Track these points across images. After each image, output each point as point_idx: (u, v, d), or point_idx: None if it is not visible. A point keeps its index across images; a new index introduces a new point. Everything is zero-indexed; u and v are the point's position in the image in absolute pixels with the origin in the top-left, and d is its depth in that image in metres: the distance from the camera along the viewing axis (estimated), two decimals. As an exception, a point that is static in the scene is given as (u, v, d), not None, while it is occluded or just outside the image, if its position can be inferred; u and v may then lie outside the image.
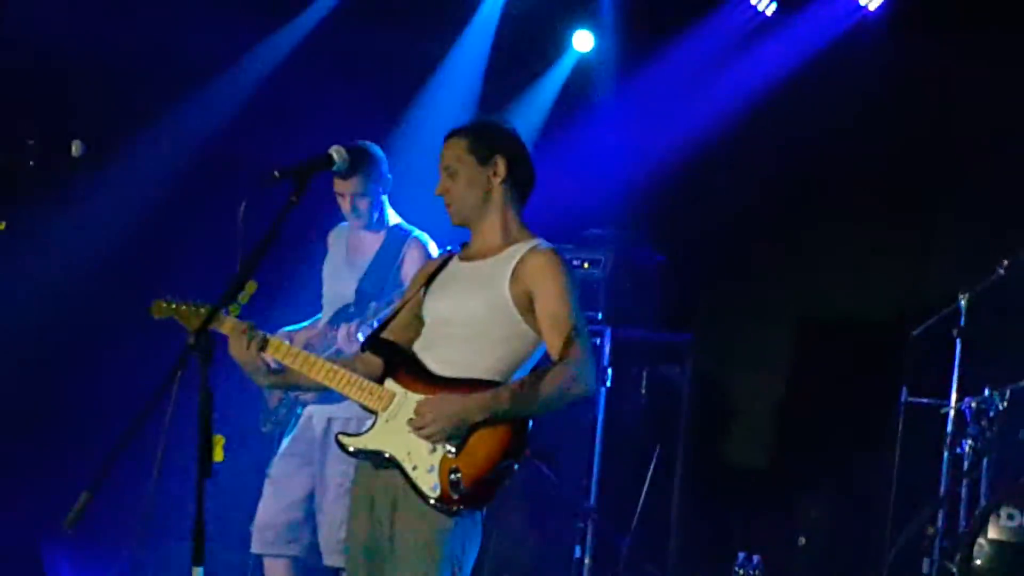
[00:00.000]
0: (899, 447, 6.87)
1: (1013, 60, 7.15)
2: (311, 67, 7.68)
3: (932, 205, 7.34)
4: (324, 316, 6.28)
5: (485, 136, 4.49)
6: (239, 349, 4.40)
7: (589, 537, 6.73)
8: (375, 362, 4.46)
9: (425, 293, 4.54)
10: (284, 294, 6.44)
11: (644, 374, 7.17)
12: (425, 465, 4.25)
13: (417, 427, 4.25)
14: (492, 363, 4.34)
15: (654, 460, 6.83)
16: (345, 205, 6.18)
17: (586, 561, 6.74)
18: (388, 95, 7.75)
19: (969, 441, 6.49)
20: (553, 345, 4.32)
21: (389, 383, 4.39)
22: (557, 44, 8.15)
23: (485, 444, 4.23)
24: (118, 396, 5.69)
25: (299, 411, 6.27)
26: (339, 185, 6.13)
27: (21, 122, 6.31)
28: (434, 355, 4.40)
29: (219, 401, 3.84)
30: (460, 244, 4.64)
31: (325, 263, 6.39)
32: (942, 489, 6.69)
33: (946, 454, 6.69)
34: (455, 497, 4.20)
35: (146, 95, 7.35)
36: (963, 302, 6.63)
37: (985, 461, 6.50)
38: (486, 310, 4.37)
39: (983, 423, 6.45)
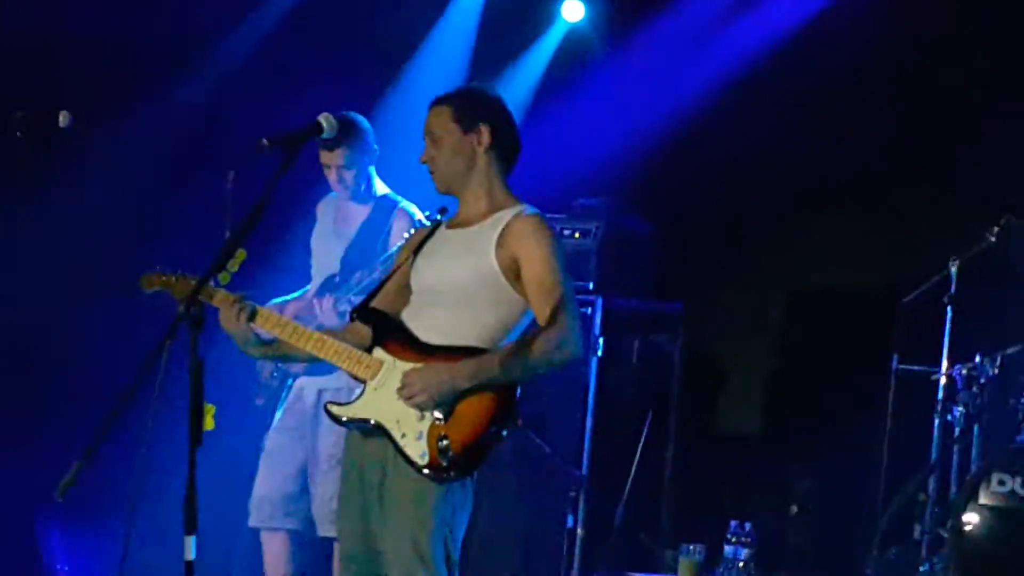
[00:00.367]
0: (890, 414, 6.88)
1: (1003, 26, 7.15)
2: (299, 37, 7.65)
3: (923, 172, 7.33)
4: (312, 287, 6.28)
5: (469, 104, 4.48)
6: (229, 320, 4.41)
7: (581, 506, 6.74)
8: (364, 331, 4.46)
9: (413, 261, 4.54)
10: (275, 265, 6.42)
11: (635, 343, 7.16)
12: (414, 432, 4.26)
13: (405, 396, 4.26)
14: (480, 329, 4.35)
15: (646, 429, 6.84)
16: (332, 176, 6.18)
17: (578, 530, 6.74)
18: (377, 65, 7.72)
19: (960, 407, 6.51)
20: (540, 311, 4.32)
21: (377, 352, 4.39)
22: (547, 14, 8.13)
23: (473, 410, 4.24)
24: (110, 368, 5.68)
25: (290, 383, 6.28)
26: (325, 157, 6.12)
27: (7, 92, 6.28)
28: (422, 323, 4.40)
29: (212, 372, 3.84)
30: (437, 209, 4.64)
31: (313, 234, 6.39)
32: (933, 456, 6.71)
33: (937, 421, 6.71)
34: (444, 464, 4.21)
35: (134, 65, 7.32)
36: (953, 269, 6.64)
37: (976, 427, 6.52)
38: (473, 277, 4.37)
39: (974, 389, 6.47)
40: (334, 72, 7.43)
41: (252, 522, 6.32)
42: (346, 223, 6.25)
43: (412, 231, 5.41)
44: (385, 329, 4.43)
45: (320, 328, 5.97)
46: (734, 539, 6.29)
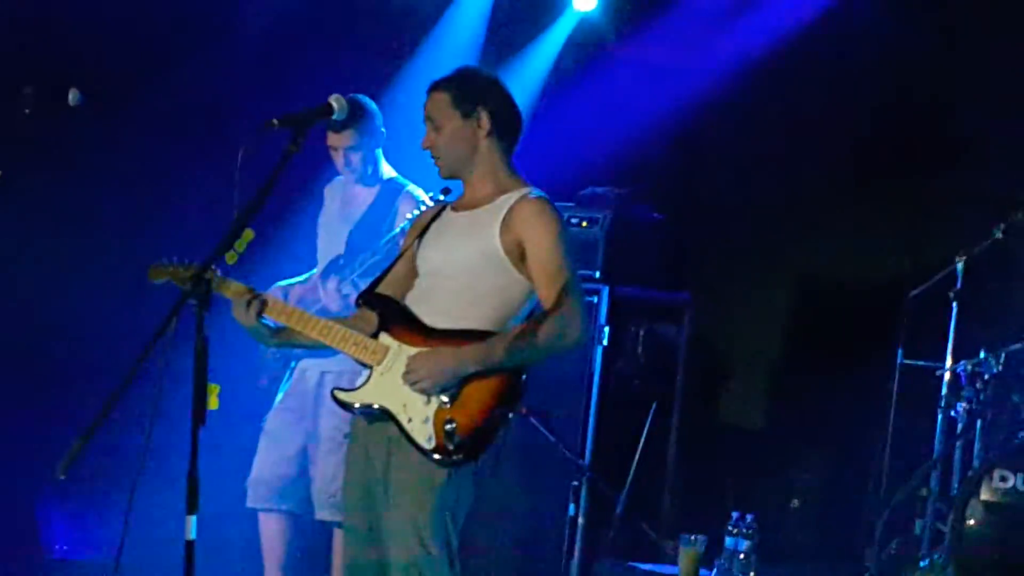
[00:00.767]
0: (894, 409, 6.89)
1: (1012, 22, 7.13)
2: (310, 19, 7.64)
3: (931, 167, 7.32)
4: (317, 270, 6.28)
5: (467, 89, 4.46)
6: (242, 314, 4.43)
7: (583, 495, 6.73)
8: (372, 317, 4.46)
9: (418, 244, 4.54)
10: (281, 247, 6.43)
11: (641, 333, 7.15)
12: (420, 417, 4.26)
13: (411, 381, 4.26)
14: (485, 313, 4.35)
15: (649, 418, 6.82)
16: (338, 159, 6.18)
17: (580, 519, 6.74)
18: (388, 49, 7.72)
19: (963, 403, 6.50)
20: (545, 294, 4.31)
21: (383, 337, 4.40)
22: (558, 3, 8.11)
23: (479, 394, 4.25)
24: (114, 347, 5.69)
25: (293, 364, 6.28)
26: (332, 139, 6.12)
27: (17, 70, 6.29)
28: (427, 307, 4.40)
29: (215, 352, 3.84)
30: (441, 190, 4.63)
31: (320, 217, 6.40)
32: (936, 451, 6.70)
33: (940, 416, 6.71)
34: (450, 447, 4.21)
35: (144, 43, 7.31)
36: (960, 265, 6.64)
37: (979, 423, 6.52)
38: (477, 260, 4.37)
39: (978, 386, 6.47)
40: (345, 56, 7.43)
41: (249, 503, 6.32)
42: (352, 206, 6.25)
43: (418, 211, 5.42)
44: (391, 314, 4.43)
45: (324, 311, 6.06)
46: (735, 531, 6.28)
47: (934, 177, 7.30)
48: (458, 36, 7.91)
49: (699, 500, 7.25)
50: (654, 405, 6.88)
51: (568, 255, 4.35)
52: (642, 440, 6.78)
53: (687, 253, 7.51)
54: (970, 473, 6.24)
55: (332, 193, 6.38)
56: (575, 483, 6.72)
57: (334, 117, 4.32)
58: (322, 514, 6.18)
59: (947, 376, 6.66)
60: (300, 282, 6.29)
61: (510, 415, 4.28)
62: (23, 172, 5.24)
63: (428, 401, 4.26)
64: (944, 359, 6.67)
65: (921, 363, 6.83)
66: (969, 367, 6.51)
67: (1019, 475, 6.02)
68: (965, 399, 6.48)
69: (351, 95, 5.74)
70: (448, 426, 4.21)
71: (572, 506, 6.72)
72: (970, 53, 7.24)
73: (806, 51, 7.41)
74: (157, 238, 7.30)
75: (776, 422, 7.80)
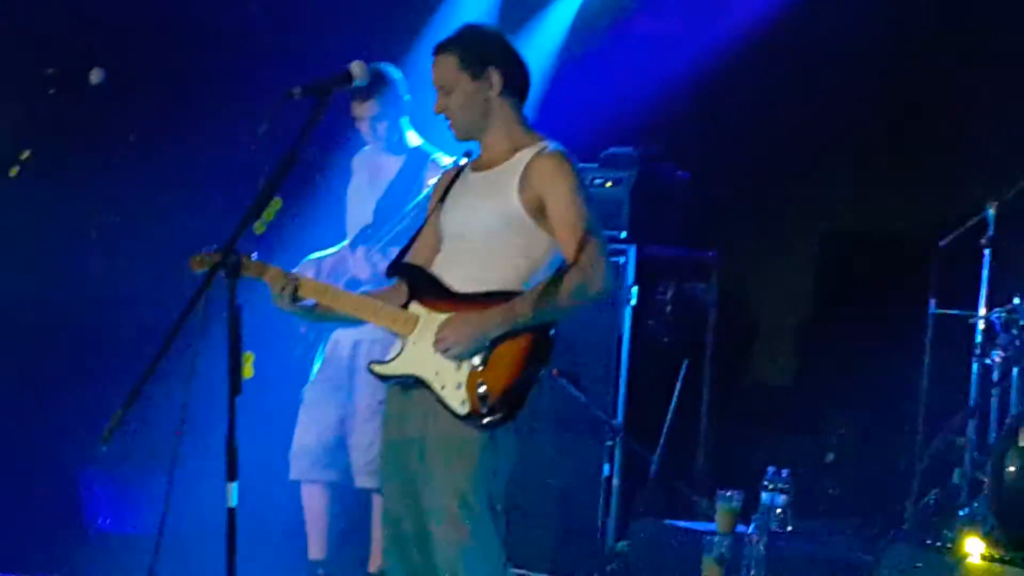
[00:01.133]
0: (928, 359, 6.86)
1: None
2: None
3: (960, 114, 7.26)
4: (347, 240, 6.29)
5: (474, 49, 4.43)
6: (278, 298, 4.46)
7: (617, 455, 6.74)
8: (403, 287, 4.47)
9: (441, 208, 4.54)
10: (309, 217, 6.43)
11: (669, 292, 7.13)
12: (453, 383, 4.27)
13: (440, 349, 4.28)
14: (511, 272, 4.34)
15: (681, 377, 6.83)
16: (364, 128, 6.19)
17: (614, 479, 6.75)
18: (406, 15, 7.69)
19: (998, 351, 6.45)
20: (567, 248, 4.30)
21: (413, 306, 4.41)
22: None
23: (509, 355, 4.25)
24: (149, 321, 5.72)
25: (327, 335, 6.30)
26: (357, 109, 6.13)
27: (40, 50, 6.30)
28: (453, 272, 4.41)
29: (250, 324, 3.86)
30: (463, 153, 4.62)
31: (349, 188, 6.41)
32: (972, 400, 6.67)
33: (975, 365, 6.66)
34: (484, 411, 4.22)
35: (164, 19, 7.33)
36: (991, 211, 6.58)
37: (1015, 371, 6.48)
38: (497, 220, 4.37)
39: (1013, 332, 6.42)
40: (363, 22, 7.41)
41: (292, 475, 6.38)
42: (380, 175, 6.26)
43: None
44: (419, 283, 4.44)
45: (355, 280, 6.09)
46: (771, 486, 6.28)
47: (963, 124, 7.24)
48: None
49: (733, 457, 7.24)
50: (685, 363, 6.88)
51: (587, 206, 4.33)
52: (674, 398, 6.78)
53: (713, 210, 7.48)
54: (1008, 420, 6.21)
55: (360, 164, 6.39)
56: (608, 443, 6.74)
57: (355, 84, 4.30)
58: (362, 481, 6.23)
59: (981, 324, 6.61)
60: (331, 254, 6.30)
61: (541, 373, 4.28)
62: (49, 151, 5.26)
63: (459, 367, 4.27)
64: (977, 308, 6.63)
65: (954, 312, 6.78)
66: (1003, 315, 6.47)
67: (1057, 421, 6.00)
68: (1000, 347, 6.44)
69: (373, 64, 5.74)
70: (480, 389, 4.23)
71: (606, 466, 6.73)
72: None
73: (828, 3, 7.36)
74: (185, 211, 7.34)
75: (808, 376, 7.78)
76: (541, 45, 7.68)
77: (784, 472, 6.31)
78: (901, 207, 7.43)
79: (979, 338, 6.62)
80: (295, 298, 4.46)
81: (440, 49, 4.45)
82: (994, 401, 6.60)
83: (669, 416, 6.74)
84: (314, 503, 6.40)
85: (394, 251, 5.84)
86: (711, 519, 6.11)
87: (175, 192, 7.46)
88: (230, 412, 3.80)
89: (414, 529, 4.41)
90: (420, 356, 4.34)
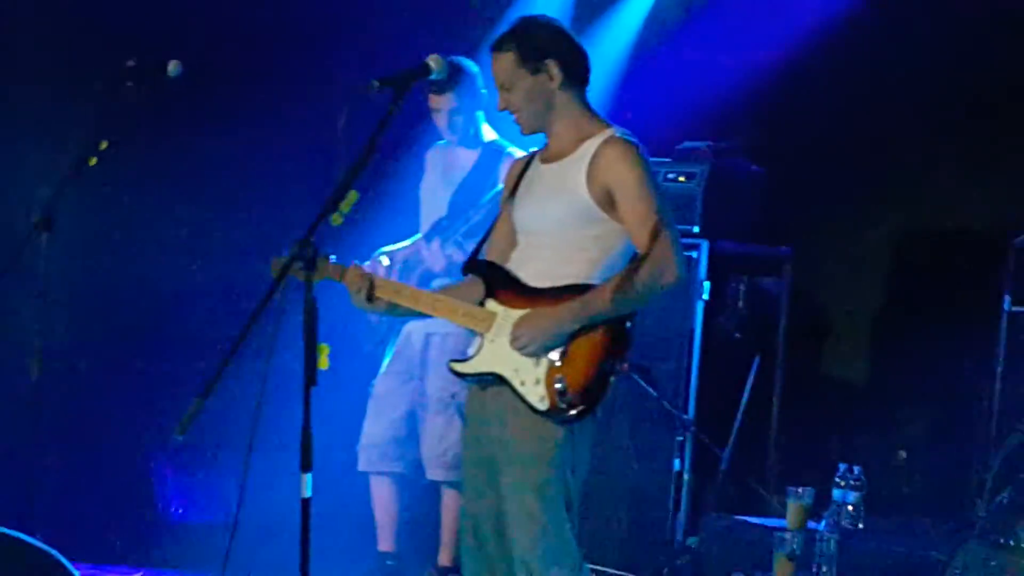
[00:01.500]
0: (1001, 356, 6.79)
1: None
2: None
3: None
4: (421, 233, 6.32)
5: (531, 44, 4.41)
6: (357, 299, 4.50)
7: (688, 450, 6.73)
8: (478, 283, 4.49)
9: (513, 202, 4.55)
10: (384, 208, 6.46)
11: (742, 287, 7.12)
12: (532, 379, 4.29)
13: (517, 347, 4.30)
14: (585, 265, 4.35)
15: (752, 372, 6.80)
16: (440, 121, 6.20)
17: (685, 474, 6.74)
18: (483, 7, 7.69)
19: (1073, 349, 6.40)
20: (638, 239, 4.30)
21: (490, 303, 4.43)
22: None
23: (586, 349, 4.26)
24: (224, 312, 5.77)
25: (399, 328, 6.33)
26: (434, 101, 6.15)
27: (120, 43, 6.34)
28: (528, 267, 4.42)
29: (324, 317, 3.89)
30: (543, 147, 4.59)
31: (422, 182, 6.43)
32: (1046, 398, 6.61)
33: (1050, 362, 6.61)
34: (563, 406, 4.24)
35: (242, 12, 7.37)
36: (1068, 208, 6.53)
37: (1090, 368, 6.42)
38: (568, 214, 4.37)
39: (1087, 330, 6.37)
40: (437, 16, 7.43)
41: (361, 466, 6.41)
42: (454, 169, 6.28)
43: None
44: (495, 279, 4.46)
45: (428, 272, 6.12)
46: (843, 482, 6.24)
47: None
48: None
49: (804, 453, 7.21)
50: (757, 359, 6.86)
51: (656, 194, 4.33)
52: (746, 394, 6.76)
53: (786, 205, 7.44)
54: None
55: (434, 158, 6.41)
56: (679, 438, 6.72)
57: (432, 77, 4.33)
58: (432, 474, 6.26)
59: (1055, 322, 6.56)
60: (404, 247, 6.32)
61: (619, 367, 4.29)
62: (128, 143, 5.30)
63: (538, 363, 4.29)
64: (1052, 305, 6.57)
65: (1029, 309, 6.72)
66: (1078, 312, 6.41)
67: None
68: (1074, 345, 6.39)
69: (452, 57, 5.76)
70: (558, 385, 4.24)
71: (677, 461, 6.72)
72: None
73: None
74: (263, 203, 7.39)
75: (880, 373, 7.72)
76: (615, 39, 7.65)
77: (856, 469, 6.27)
78: (976, 202, 7.35)
79: (1053, 336, 6.56)
80: (371, 298, 4.48)
81: (497, 47, 4.45)
82: (1069, 399, 6.54)
83: (740, 411, 6.72)
84: (383, 495, 6.43)
85: (469, 244, 5.89)
86: (782, 515, 6.08)
87: (253, 184, 7.51)
88: (305, 403, 3.83)
89: (492, 525, 4.44)
90: (498, 353, 4.36)
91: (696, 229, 6.87)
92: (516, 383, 4.31)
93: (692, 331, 6.82)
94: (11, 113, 7.21)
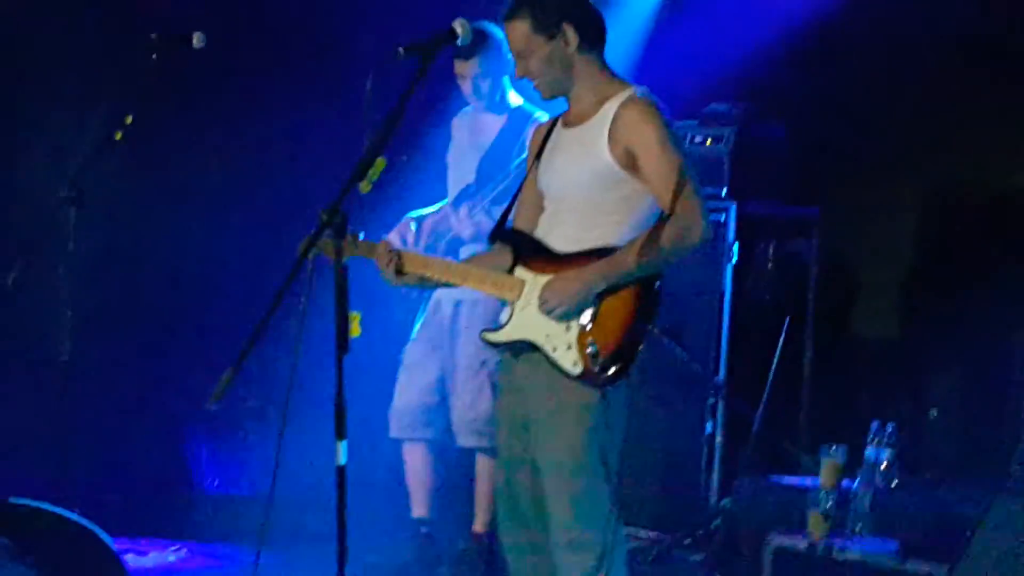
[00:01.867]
0: (1034, 314, 6.77)
1: None
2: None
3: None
4: (449, 199, 6.32)
5: (544, 10, 4.38)
6: (387, 274, 4.51)
7: (719, 412, 6.73)
8: (506, 251, 4.49)
9: (537, 166, 4.54)
10: (411, 174, 6.46)
11: (771, 249, 7.10)
12: (564, 344, 4.29)
13: (545, 311, 4.29)
14: (612, 228, 4.34)
15: (783, 334, 6.79)
16: (466, 87, 6.20)
17: (717, 437, 6.75)
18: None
19: (1106, 305, 6.37)
20: (662, 199, 4.28)
21: (518, 271, 4.43)
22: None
23: (615, 311, 4.26)
24: (254, 283, 5.77)
25: (428, 296, 6.33)
26: (460, 67, 6.14)
27: (143, 16, 6.37)
28: (555, 233, 4.42)
29: (355, 284, 3.89)
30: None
31: (450, 149, 6.43)
32: (1081, 357, 6.59)
33: (1086, 322, 6.58)
34: (595, 369, 4.24)
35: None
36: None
37: (1124, 325, 6.39)
38: (591, 178, 4.36)
39: (1121, 286, 6.33)
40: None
41: (392, 433, 6.43)
42: (481, 135, 6.27)
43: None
44: (523, 247, 4.46)
45: (457, 239, 6.12)
46: (876, 440, 6.23)
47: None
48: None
49: (835, 413, 7.19)
50: (787, 320, 6.85)
51: (679, 152, 4.30)
52: (776, 355, 6.75)
53: (815, 166, 7.41)
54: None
55: (460, 124, 6.40)
56: (711, 401, 6.73)
57: (458, 42, 4.32)
58: (464, 440, 6.27)
59: (1088, 278, 6.52)
60: (432, 213, 6.32)
61: (648, 327, 4.28)
62: (152, 116, 5.32)
63: (568, 327, 4.28)
64: (1086, 262, 6.53)
65: (1061, 266, 6.69)
66: (1112, 269, 6.38)
67: None
68: (1108, 301, 6.35)
69: (476, 22, 5.75)
70: (591, 348, 4.24)
71: (709, 424, 6.73)
72: None
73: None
74: (289, 174, 7.40)
75: (911, 334, 7.68)
76: (639, 3, 7.62)
77: (889, 426, 6.26)
78: (1007, 165, 7.31)
79: (1087, 292, 6.53)
80: (401, 271, 4.49)
81: (510, 15, 4.43)
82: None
83: (771, 373, 6.71)
84: (415, 461, 6.44)
85: (497, 210, 5.89)
86: (814, 475, 6.08)
87: (280, 154, 7.52)
88: (338, 371, 3.84)
89: (528, 492, 4.45)
90: (529, 320, 4.35)
91: (724, 192, 6.86)
92: (548, 349, 4.31)
93: (722, 294, 6.82)
94: (38, 89, 7.22)
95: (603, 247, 4.31)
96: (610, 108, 4.37)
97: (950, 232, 7.61)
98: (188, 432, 7.44)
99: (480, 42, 5.90)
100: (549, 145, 4.54)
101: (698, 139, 6.93)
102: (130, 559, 6.23)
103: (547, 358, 4.31)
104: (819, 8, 7.38)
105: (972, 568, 5.06)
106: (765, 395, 6.69)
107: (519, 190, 4.66)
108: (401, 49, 4.12)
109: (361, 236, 4.49)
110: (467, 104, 6.32)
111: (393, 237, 6.20)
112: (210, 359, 5.53)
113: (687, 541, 6.53)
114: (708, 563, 6.31)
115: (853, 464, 6.05)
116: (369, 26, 7.34)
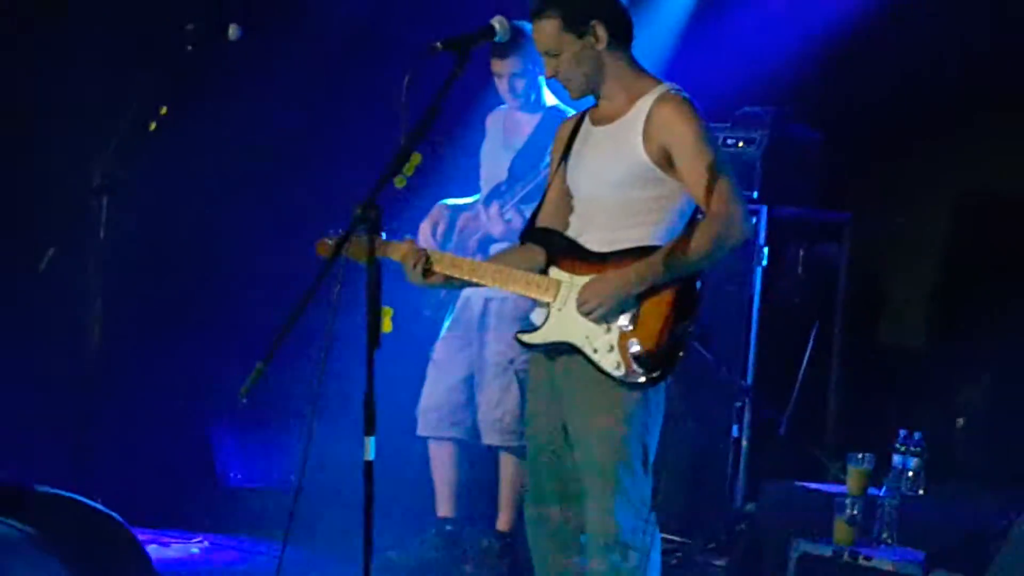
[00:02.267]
0: (1063, 324, 6.74)
1: None
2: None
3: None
4: (480, 197, 6.31)
5: (574, 7, 4.32)
6: (411, 274, 4.45)
7: (747, 416, 6.71)
8: (537, 250, 4.44)
9: (565, 165, 4.49)
10: (446, 169, 6.45)
11: (801, 253, 7.08)
12: (605, 345, 4.24)
13: (585, 312, 4.24)
14: (647, 227, 4.30)
15: (811, 338, 6.77)
16: (502, 86, 6.18)
17: (744, 441, 6.73)
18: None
19: None
20: (699, 197, 4.24)
21: (554, 271, 4.37)
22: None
23: (657, 312, 4.21)
24: (284, 278, 5.77)
25: (458, 293, 6.32)
26: (496, 65, 6.13)
27: (179, 7, 6.37)
28: (590, 233, 4.37)
29: (385, 281, 3.88)
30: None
31: (483, 146, 6.42)
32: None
33: (1112, 330, 6.54)
34: (639, 371, 4.20)
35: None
36: None
37: None
38: (627, 177, 4.31)
39: None
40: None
41: (420, 431, 6.42)
42: (515, 133, 6.26)
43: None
44: (556, 247, 4.40)
45: (488, 237, 6.11)
46: (903, 448, 6.20)
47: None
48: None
49: (862, 419, 7.17)
50: (816, 325, 6.83)
51: (714, 149, 4.26)
52: (804, 360, 6.73)
53: (846, 171, 7.39)
54: None
55: (494, 122, 6.39)
56: (738, 404, 6.71)
57: (496, 39, 4.31)
58: (488, 438, 6.25)
59: (1119, 289, 6.49)
60: (464, 208, 6.31)
61: (691, 327, 4.25)
62: (186, 107, 5.33)
63: (609, 329, 4.24)
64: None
65: (1091, 276, 6.66)
66: None
67: None
68: None
69: (515, 21, 5.74)
70: (633, 349, 4.19)
71: (736, 427, 6.71)
72: None
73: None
74: (324, 168, 7.39)
75: (940, 340, 7.66)
76: (674, 4, 7.60)
77: (916, 435, 6.23)
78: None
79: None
80: (428, 272, 4.46)
81: (539, 13, 4.36)
82: None
83: (799, 377, 6.69)
84: (442, 460, 6.43)
85: (527, 209, 5.87)
86: (841, 481, 6.06)
87: (315, 148, 7.51)
88: (368, 366, 3.82)
89: (556, 493, 4.42)
90: (567, 322, 4.30)
91: (755, 195, 6.84)
92: (588, 351, 4.26)
93: (751, 297, 6.80)
94: (71, 78, 7.23)
95: (642, 247, 4.26)
96: (643, 105, 4.32)
97: (980, 240, 7.58)
98: (213, 424, 7.44)
99: (518, 40, 5.87)
100: (577, 143, 4.49)
101: (730, 141, 6.91)
102: (153, 550, 6.21)
103: (588, 360, 4.26)
104: (853, 13, 7.36)
105: (998, 581, 5.04)
106: (792, 400, 6.67)
107: (545, 189, 4.62)
108: (439, 44, 4.11)
109: (383, 236, 4.41)
110: (502, 101, 6.31)
111: (425, 227, 6.19)
112: (238, 352, 5.54)
113: (711, 545, 6.52)
114: (732, 568, 6.29)
115: (880, 471, 6.03)
116: (405, 20, 7.33)
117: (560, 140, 4.57)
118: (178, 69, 5.32)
